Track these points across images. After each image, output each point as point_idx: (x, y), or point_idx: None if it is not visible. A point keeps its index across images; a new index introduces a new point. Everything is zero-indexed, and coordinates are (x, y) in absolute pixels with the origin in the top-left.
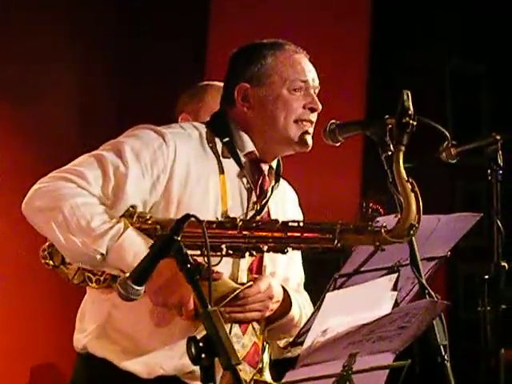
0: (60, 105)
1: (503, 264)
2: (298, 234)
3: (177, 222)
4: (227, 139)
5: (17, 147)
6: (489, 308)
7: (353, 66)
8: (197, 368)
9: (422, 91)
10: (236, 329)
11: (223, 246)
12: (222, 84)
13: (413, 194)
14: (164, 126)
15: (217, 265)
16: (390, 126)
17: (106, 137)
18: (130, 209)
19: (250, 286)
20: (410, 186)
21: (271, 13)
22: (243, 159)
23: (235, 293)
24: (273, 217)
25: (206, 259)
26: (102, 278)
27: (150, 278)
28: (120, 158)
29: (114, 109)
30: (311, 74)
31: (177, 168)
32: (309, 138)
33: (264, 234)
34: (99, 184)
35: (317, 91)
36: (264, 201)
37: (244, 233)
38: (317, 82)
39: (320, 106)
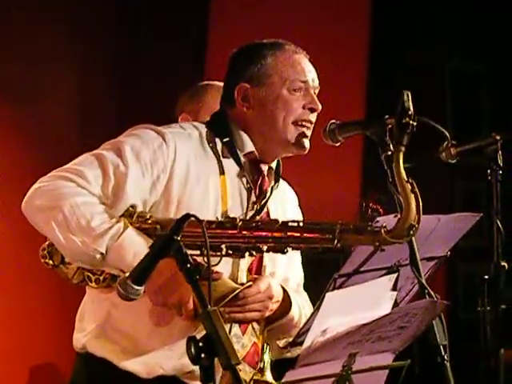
0: (60, 105)
1: (503, 264)
2: (298, 234)
3: (177, 221)
4: (227, 139)
5: (17, 147)
6: (488, 308)
7: (353, 66)
8: (196, 368)
9: (422, 91)
10: (236, 329)
11: (223, 246)
12: (221, 84)
13: (412, 195)
14: (164, 126)
15: (216, 265)
16: (389, 126)
17: (106, 137)
18: (130, 208)
19: (250, 286)
20: (409, 187)
21: (271, 13)
22: (243, 159)
23: (235, 293)
24: (272, 217)
25: (205, 259)
26: (101, 278)
27: (149, 278)
28: (120, 157)
29: (114, 109)
30: (311, 74)
31: (177, 168)
32: (306, 141)
33: (264, 233)
34: (99, 183)
35: (317, 91)
36: (263, 201)
37: (244, 233)
38: (317, 82)
39: (320, 107)
